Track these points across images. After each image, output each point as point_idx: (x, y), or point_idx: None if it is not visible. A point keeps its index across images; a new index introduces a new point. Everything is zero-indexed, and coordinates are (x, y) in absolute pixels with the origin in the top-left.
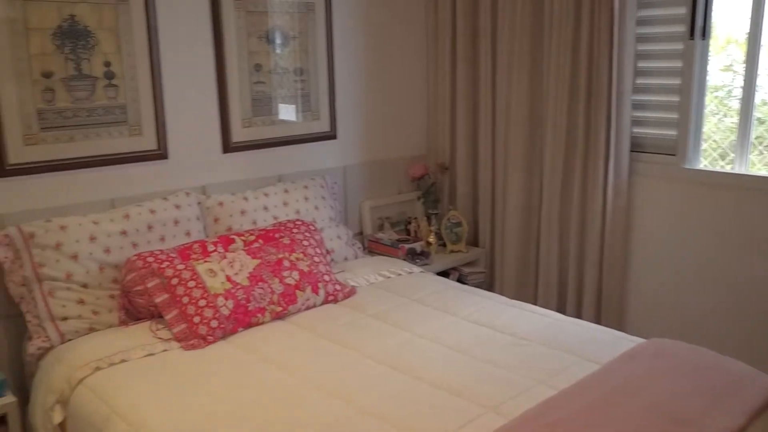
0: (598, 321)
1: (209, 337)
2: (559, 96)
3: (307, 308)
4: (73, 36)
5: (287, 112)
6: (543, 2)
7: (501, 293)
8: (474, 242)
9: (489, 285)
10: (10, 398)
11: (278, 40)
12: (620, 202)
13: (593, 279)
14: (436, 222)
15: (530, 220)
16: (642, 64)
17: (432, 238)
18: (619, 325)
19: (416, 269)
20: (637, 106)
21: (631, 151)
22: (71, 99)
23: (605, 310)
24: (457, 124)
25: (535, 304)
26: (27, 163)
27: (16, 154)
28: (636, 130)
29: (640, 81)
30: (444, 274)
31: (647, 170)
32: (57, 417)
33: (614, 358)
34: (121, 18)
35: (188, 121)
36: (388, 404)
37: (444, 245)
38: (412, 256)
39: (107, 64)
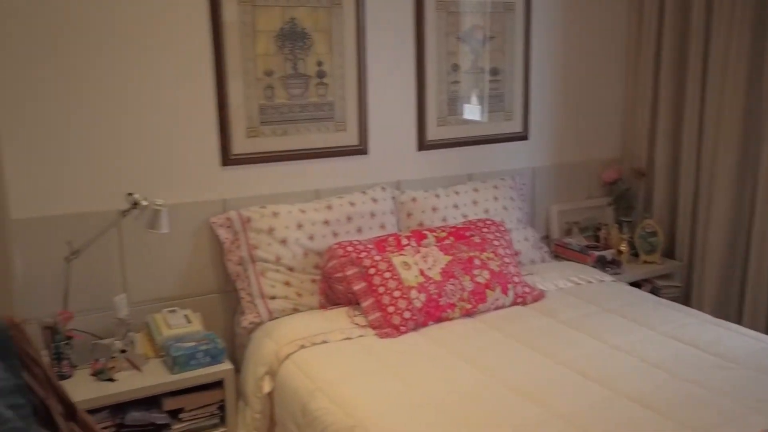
0: None
1: (402, 328)
2: None
3: (496, 308)
4: (292, 37)
5: (480, 111)
6: None
7: (698, 310)
8: (669, 254)
9: (684, 300)
10: (227, 365)
11: (476, 40)
12: None
13: None
14: (628, 230)
15: (738, 235)
16: None
17: (624, 247)
18: None
19: (607, 278)
20: None
21: None
22: (288, 96)
23: None
24: (657, 127)
25: (739, 324)
26: (247, 154)
27: (239, 146)
28: None
29: None
30: (635, 285)
31: None
32: (266, 387)
33: None
34: (334, 20)
35: (388, 119)
36: (584, 413)
37: (636, 255)
38: (602, 264)
39: (319, 63)
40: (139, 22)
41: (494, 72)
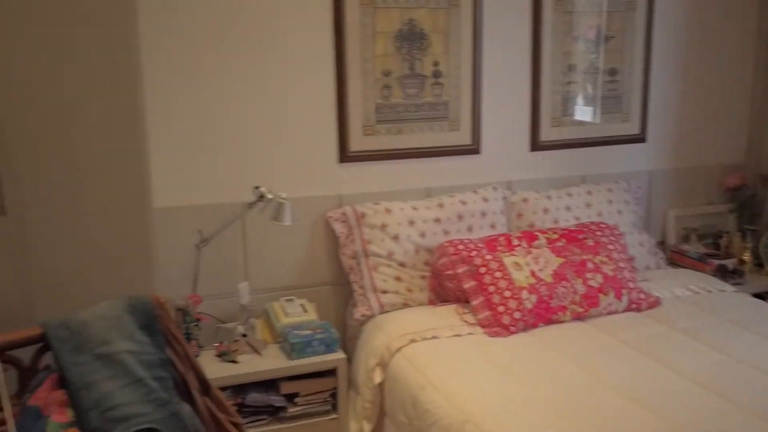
0: None
1: (512, 328)
2: None
3: (609, 313)
4: (410, 38)
5: (595, 113)
6: None
7: None
8: None
9: None
10: (340, 354)
11: (593, 40)
12: None
13: None
14: (752, 239)
15: None
16: None
17: (746, 256)
18: None
19: (728, 288)
20: None
21: None
22: (404, 95)
23: None
24: None
25: None
26: (363, 151)
27: (355, 143)
28: None
29: None
30: (759, 297)
31: None
32: (377, 378)
33: None
34: (451, 21)
35: (501, 118)
36: (702, 424)
37: (760, 265)
38: (723, 274)
39: (436, 63)
40: (267, 25)
41: (612, 72)
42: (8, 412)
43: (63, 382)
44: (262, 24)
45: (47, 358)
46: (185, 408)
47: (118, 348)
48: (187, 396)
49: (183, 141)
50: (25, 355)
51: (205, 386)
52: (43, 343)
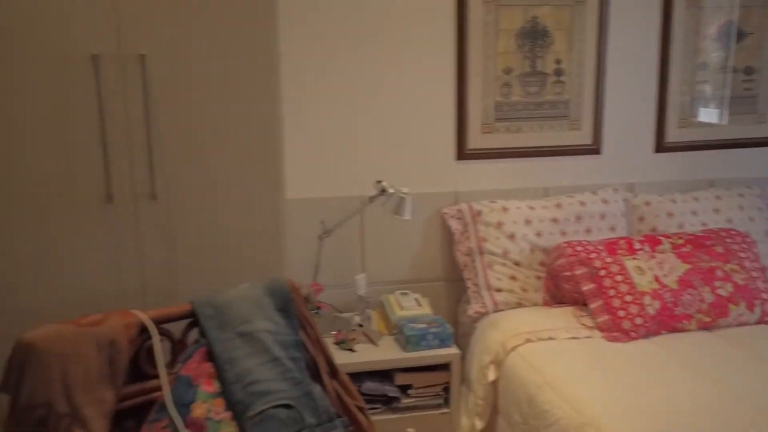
0: None
1: (632, 333)
2: None
3: (739, 324)
4: (532, 36)
5: (725, 114)
6: None
7: None
8: None
9: None
10: (454, 349)
11: (727, 37)
12: None
13: None
14: None
15: None
16: None
17: None
18: None
19: None
20: None
21: None
22: (523, 93)
23: None
24: None
25: None
26: (481, 149)
27: (473, 141)
28: None
29: None
30: None
31: None
32: (491, 375)
33: None
34: (576, 18)
35: (624, 118)
36: None
37: None
38: None
39: (558, 61)
40: (393, 25)
41: (748, 71)
42: (164, 379)
43: (210, 356)
44: (387, 24)
45: (194, 334)
46: (316, 388)
47: (258, 327)
48: (316, 378)
49: (313, 138)
50: (176, 329)
51: (333, 370)
52: (191, 319)
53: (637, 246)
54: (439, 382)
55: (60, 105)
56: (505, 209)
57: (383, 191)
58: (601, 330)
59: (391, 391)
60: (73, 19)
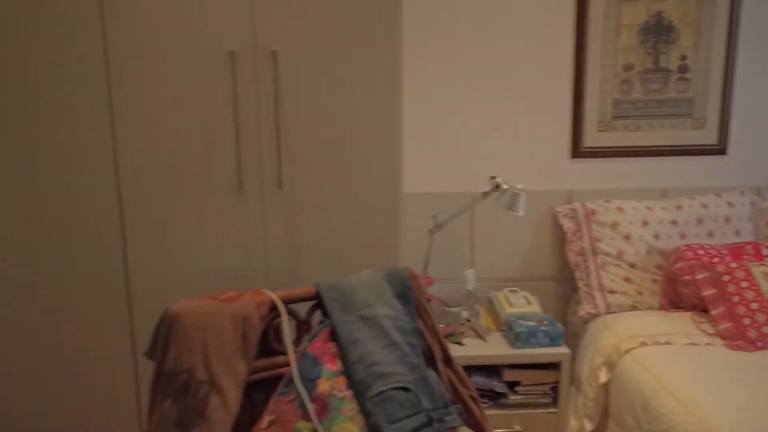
0: None
1: (758, 343)
2: None
3: None
4: (656, 31)
5: None
6: None
7: None
8: None
9: None
10: (565, 349)
11: None
12: None
13: None
14: None
15: None
16: None
17: None
18: None
19: None
20: None
21: None
22: (644, 91)
23: None
24: None
25: None
26: (597, 148)
27: (589, 139)
28: None
29: None
30: None
31: None
32: (602, 377)
33: None
34: (704, 12)
35: (754, 117)
36: None
37: None
38: None
39: (683, 57)
40: (512, 22)
41: None
42: (291, 356)
43: (333, 336)
44: (506, 21)
45: (317, 315)
46: (432, 374)
47: (379, 312)
48: (431, 365)
49: (430, 134)
50: (301, 310)
51: (447, 359)
52: (316, 301)
53: (766, 252)
54: (548, 381)
55: (200, 99)
56: (620, 209)
57: (497, 187)
58: (723, 337)
59: (498, 386)
60: (212, 18)
